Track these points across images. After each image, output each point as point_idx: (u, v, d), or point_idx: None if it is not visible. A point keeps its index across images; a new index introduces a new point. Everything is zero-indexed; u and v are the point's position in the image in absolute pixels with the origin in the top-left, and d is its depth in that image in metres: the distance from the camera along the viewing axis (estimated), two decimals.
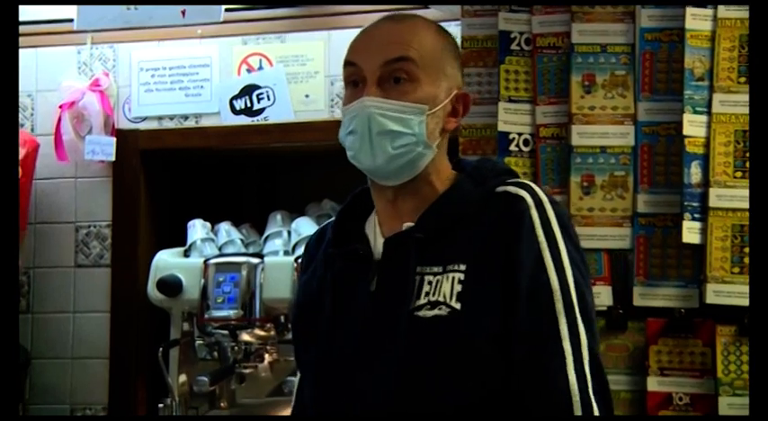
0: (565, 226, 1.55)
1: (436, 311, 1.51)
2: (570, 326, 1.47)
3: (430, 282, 1.53)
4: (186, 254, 2.99)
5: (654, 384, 2.18)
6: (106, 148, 3.13)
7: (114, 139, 3.14)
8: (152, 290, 2.88)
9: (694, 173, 2.17)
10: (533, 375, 1.47)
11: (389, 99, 1.55)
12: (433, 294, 1.52)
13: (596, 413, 1.44)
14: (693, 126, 2.18)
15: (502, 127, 2.29)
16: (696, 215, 2.17)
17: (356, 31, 3.13)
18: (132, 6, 2.93)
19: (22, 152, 3.08)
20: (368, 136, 1.55)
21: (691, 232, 2.16)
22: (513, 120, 2.29)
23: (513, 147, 2.28)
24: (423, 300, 1.52)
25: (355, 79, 1.59)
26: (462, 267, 1.51)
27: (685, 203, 2.17)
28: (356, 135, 1.57)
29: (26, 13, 3.14)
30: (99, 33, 3.14)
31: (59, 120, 3.18)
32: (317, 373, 1.63)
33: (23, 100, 3.28)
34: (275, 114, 3.06)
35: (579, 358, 1.46)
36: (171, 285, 2.84)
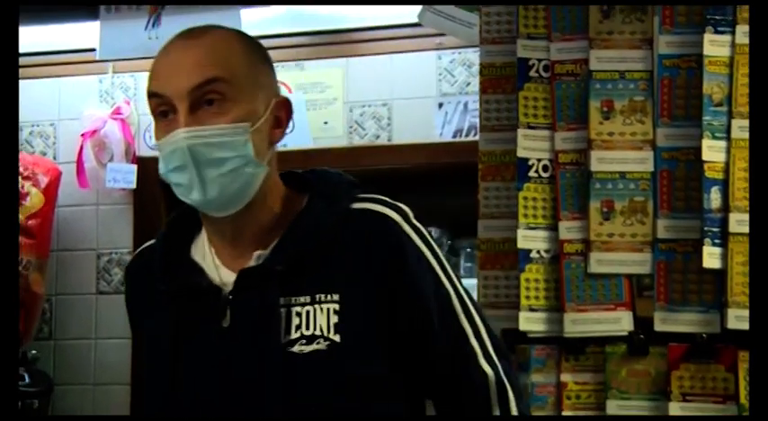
0: (427, 230, 1.54)
1: (314, 346, 1.41)
2: (471, 323, 1.52)
3: (299, 314, 1.43)
4: None
5: (676, 409, 2.16)
6: (127, 176, 3.16)
7: (135, 167, 3.17)
8: None
9: (714, 198, 2.17)
10: (455, 379, 1.50)
11: (206, 125, 1.43)
12: (307, 327, 1.42)
13: (509, 390, 1.51)
14: (712, 151, 2.18)
15: (521, 153, 2.29)
16: (716, 240, 2.16)
17: (375, 59, 3.18)
18: (154, 36, 2.97)
19: (44, 180, 3.11)
20: (195, 169, 1.42)
21: (711, 257, 2.16)
22: (532, 146, 2.29)
23: (532, 173, 2.29)
24: (296, 334, 1.42)
25: (164, 110, 1.45)
26: (335, 297, 1.43)
27: (705, 229, 2.16)
28: (182, 171, 1.44)
29: (48, 43, 3.18)
30: (120, 62, 3.18)
31: (81, 148, 3.22)
32: None
33: (46, 128, 3.32)
34: (294, 141, 3.07)
35: (486, 350, 1.52)
36: None
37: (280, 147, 1.54)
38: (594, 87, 2.26)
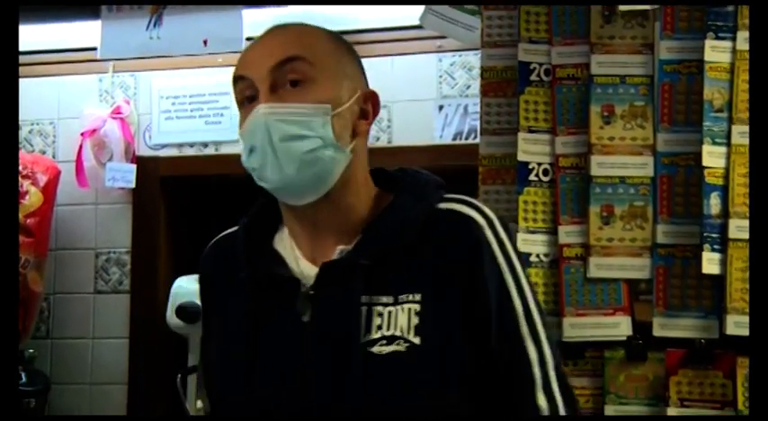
0: (514, 244, 1.49)
1: (394, 347, 1.38)
2: (538, 349, 1.44)
3: (381, 314, 1.39)
4: None
5: (674, 415, 2.17)
6: (126, 175, 3.16)
7: (134, 166, 3.17)
8: (171, 316, 2.89)
9: (714, 204, 2.18)
10: (506, 403, 1.43)
11: (287, 103, 1.41)
12: (388, 328, 1.39)
13: None
14: (713, 157, 2.18)
15: (522, 157, 2.30)
16: (716, 246, 2.16)
17: (376, 61, 3.18)
18: (155, 36, 2.96)
19: (43, 179, 3.11)
20: (270, 146, 1.40)
21: (710, 263, 2.16)
22: (532, 150, 2.30)
23: (532, 177, 2.29)
24: (376, 335, 1.38)
25: (248, 95, 1.44)
26: (417, 297, 1.40)
27: (705, 234, 2.16)
28: (257, 151, 1.41)
29: (49, 42, 3.18)
30: (120, 61, 3.18)
31: (81, 147, 3.22)
32: None
33: (45, 127, 3.32)
34: None
35: (548, 381, 1.43)
36: (190, 312, 2.85)
37: None
38: (595, 92, 2.27)
